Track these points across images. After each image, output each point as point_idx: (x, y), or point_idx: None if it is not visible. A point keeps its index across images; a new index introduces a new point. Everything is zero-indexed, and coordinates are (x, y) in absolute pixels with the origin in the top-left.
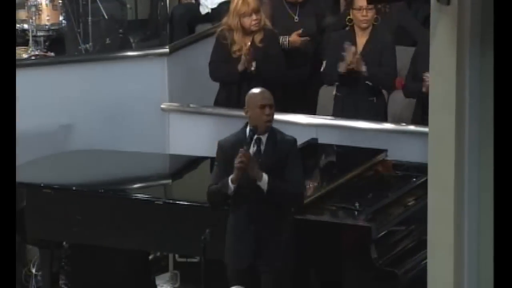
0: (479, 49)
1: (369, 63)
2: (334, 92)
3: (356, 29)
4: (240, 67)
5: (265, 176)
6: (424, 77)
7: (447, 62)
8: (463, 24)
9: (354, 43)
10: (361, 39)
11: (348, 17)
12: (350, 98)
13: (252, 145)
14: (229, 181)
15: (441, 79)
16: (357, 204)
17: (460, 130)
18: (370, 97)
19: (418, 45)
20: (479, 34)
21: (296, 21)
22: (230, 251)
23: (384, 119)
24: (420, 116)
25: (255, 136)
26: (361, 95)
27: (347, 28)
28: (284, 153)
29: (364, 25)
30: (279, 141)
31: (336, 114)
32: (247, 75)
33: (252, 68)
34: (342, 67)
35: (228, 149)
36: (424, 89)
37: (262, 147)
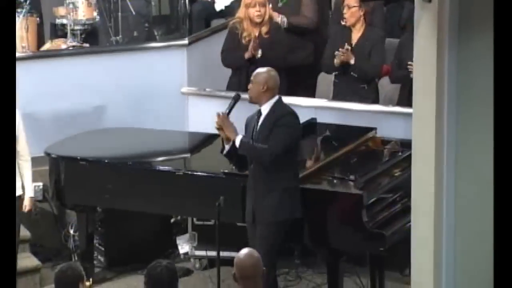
0: (457, 41)
1: (360, 57)
2: (333, 80)
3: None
4: (247, 54)
5: (239, 136)
6: (408, 66)
7: (429, 52)
8: (442, 19)
9: (349, 37)
10: (355, 35)
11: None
12: (345, 85)
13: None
14: (224, 142)
15: (424, 67)
16: (350, 175)
17: (439, 111)
18: (362, 84)
19: (401, 39)
20: (456, 28)
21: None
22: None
23: (376, 102)
24: (406, 98)
25: (258, 109)
26: (354, 83)
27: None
28: (273, 121)
29: (348, 23)
30: (275, 112)
31: (335, 98)
32: (254, 61)
33: (259, 55)
34: (336, 61)
35: (247, 121)
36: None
37: (261, 119)
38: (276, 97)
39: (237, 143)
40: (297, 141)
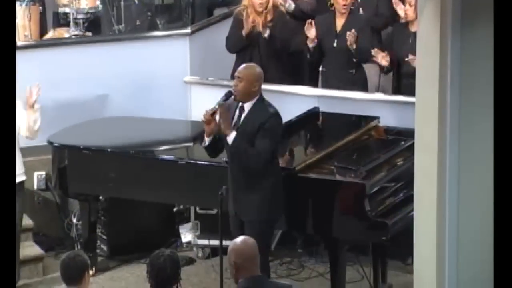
0: (459, 30)
1: (346, 41)
2: (321, 68)
3: (337, 12)
4: (244, 32)
5: (233, 133)
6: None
7: (432, 42)
8: (445, 8)
9: (334, 25)
10: (340, 21)
11: (330, 2)
12: (333, 72)
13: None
14: (205, 135)
15: (427, 57)
16: (353, 164)
17: (442, 100)
18: (350, 70)
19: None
20: (459, 17)
21: None
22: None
23: (364, 89)
24: (396, 84)
25: (240, 104)
26: (342, 69)
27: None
28: (259, 123)
29: (344, 10)
30: (260, 111)
31: (323, 86)
32: (256, 45)
33: (266, 35)
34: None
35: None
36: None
37: (243, 114)
38: (259, 95)
39: (230, 140)
40: (278, 144)
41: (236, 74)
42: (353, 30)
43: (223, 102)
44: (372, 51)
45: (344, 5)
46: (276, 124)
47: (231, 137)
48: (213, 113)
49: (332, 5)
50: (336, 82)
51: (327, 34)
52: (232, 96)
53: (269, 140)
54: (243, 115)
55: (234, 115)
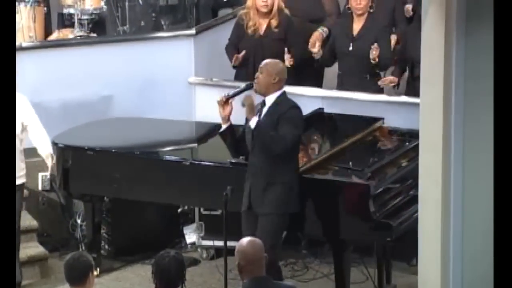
0: (464, 30)
1: (362, 46)
2: (337, 71)
3: (354, 15)
4: (233, 62)
5: (255, 118)
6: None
7: (436, 42)
8: (450, 8)
9: (350, 28)
10: (357, 25)
11: (347, 5)
12: (349, 76)
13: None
14: (222, 122)
15: (431, 56)
16: (358, 165)
17: (447, 100)
18: (364, 75)
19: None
20: (464, 17)
21: None
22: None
23: (380, 92)
24: (412, 86)
25: (262, 100)
26: (356, 74)
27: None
28: (279, 114)
29: (359, 12)
30: (280, 105)
31: (339, 89)
32: (259, 54)
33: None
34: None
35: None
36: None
37: (265, 109)
38: (282, 90)
39: (253, 124)
40: (300, 135)
41: (259, 66)
42: (375, 45)
43: (240, 92)
44: (379, 81)
45: (359, 6)
46: (297, 113)
47: (253, 120)
48: (228, 99)
49: (349, 8)
50: (351, 87)
51: (342, 37)
52: (252, 88)
53: (289, 128)
54: (264, 109)
55: (257, 111)
